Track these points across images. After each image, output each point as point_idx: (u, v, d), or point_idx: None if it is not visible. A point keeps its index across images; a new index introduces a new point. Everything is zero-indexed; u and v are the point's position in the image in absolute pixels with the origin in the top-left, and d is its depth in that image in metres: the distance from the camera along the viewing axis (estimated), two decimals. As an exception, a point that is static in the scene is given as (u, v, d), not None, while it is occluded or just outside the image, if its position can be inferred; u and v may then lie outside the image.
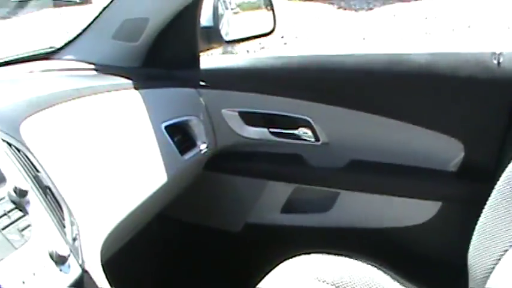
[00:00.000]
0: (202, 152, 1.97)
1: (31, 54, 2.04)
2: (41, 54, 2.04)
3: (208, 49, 2.20)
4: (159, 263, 2.21)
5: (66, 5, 10.49)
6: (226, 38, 2.14)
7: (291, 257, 1.65)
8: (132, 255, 1.94)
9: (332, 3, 9.66)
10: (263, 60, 2.12)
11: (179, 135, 1.89)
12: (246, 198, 2.14)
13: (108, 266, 1.39)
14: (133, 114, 1.77)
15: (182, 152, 1.87)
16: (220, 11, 2.13)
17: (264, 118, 2.04)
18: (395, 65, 1.94)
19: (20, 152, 1.33)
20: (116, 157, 1.62)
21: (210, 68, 2.06)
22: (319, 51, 6.57)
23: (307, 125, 2.01)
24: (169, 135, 1.83)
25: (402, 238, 2.02)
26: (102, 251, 1.41)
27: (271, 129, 2.05)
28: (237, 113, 2.04)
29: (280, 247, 1.79)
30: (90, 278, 1.29)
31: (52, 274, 1.17)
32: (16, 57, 1.97)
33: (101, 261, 1.37)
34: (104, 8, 1.98)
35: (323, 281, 1.52)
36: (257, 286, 1.56)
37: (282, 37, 7.90)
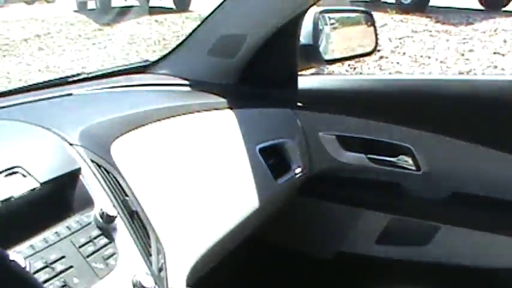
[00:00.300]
0: (297, 176, 1.88)
1: (126, 67, 2.02)
2: (136, 67, 2.02)
3: (306, 68, 2.11)
4: (247, 288, 2.13)
5: (163, 13, 10.68)
6: (326, 58, 2.05)
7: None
8: (218, 280, 1.87)
9: (430, 17, 9.42)
10: (364, 82, 2.02)
11: (273, 158, 1.80)
12: (340, 225, 2.04)
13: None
14: (227, 135, 1.70)
15: (276, 176, 1.78)
16: (319, 26, 2.03)
17: (363, 143, 1.93)
18: (506, 91, 1.80)
19: (109, 174, 1.28)
20: (207, 180, 1.55)
21: (307, 88, 1.97)
22: (421, 72, 6.41)
23: (408, 152, 1.88)
24: (263, 158, 1.75)
25: (503, 280, 1.87)
26: (187, 279, 1.35)
27: (370, 155, 1.94)
28: (334, 137, 1.94)
29: (372, 279, 1.69)
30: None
31: (135, 307, 1.11)
32: (111, 70, 1.95)
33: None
34: (201, 23, 1.93)
35: None
36: None
37: (378, 50, 7.75)
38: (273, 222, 1.95)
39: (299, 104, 1.95)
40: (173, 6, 11.94)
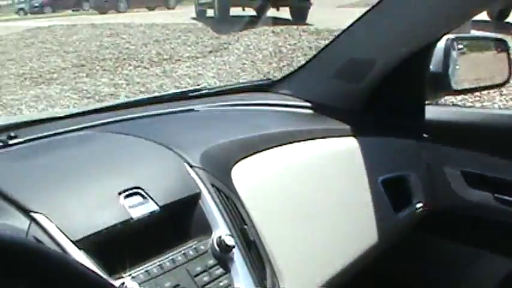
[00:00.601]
0: (418, 211, 1.78)
1: (249, 84, 1.99)
2: (258, 85, 1.99)
3: (434, 98, 2.01)
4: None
5: (280, 24, 10.70)
6: (455, 87, 1.94)
7: None
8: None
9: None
10: (494, 116, 1.90)
11: (394, 190, 1.71)
12: (459, 266, 1.92)
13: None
14: (350, 163, 1.63)
15: (396, 209, 1.69)
16: (452, 55, 1.93)
17: (490, 181, 1.81)
18: None
19: (228, 199, 1.24)
20: (327, 210, 1.49)
21: (434, 119, 1.87)
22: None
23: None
24: (385, 190, 1.66)
25: None
26: None
27: (497, 195, 1.81)
28: (459, 172, 1.83)
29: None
30: None
31: None
32: (234, 86, 1.92)
33: None
34: (327, 44, 1.87)
35: None
36: None
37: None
38: (388, 256, 1.86)
39: (425, 135, 1.85)
40: (290, 18, 11.93)
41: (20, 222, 0.98)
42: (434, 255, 1.95)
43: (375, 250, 1.61)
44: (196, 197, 1.18)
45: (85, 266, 0.71)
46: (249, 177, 1.36)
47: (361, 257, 1.54)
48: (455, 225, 1.90)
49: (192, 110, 1.70)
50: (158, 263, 1.06)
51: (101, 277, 0.68)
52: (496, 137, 1.80)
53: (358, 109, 1.83)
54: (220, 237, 1.12)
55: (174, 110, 1.67)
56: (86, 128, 1.45)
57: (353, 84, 1.83)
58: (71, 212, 1.04)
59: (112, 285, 0.81)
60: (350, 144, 1.67)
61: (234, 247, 1.13)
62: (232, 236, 1.14)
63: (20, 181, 1.10)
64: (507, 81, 2.05)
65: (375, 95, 1.82)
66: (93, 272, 0.61)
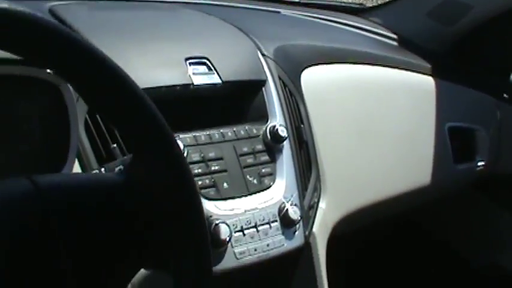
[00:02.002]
0: (478, 169, 1.73)
1: (341, 4, 1.95)
2: (350, 7, 1.95)
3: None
4: (382, 266, 2.01)
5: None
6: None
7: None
8: (356, 249, 1.80)
9: None
10: None
11: (459, 141, 1.66)
12: (506, 236, 1.86)
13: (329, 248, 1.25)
14: (420, 102, 1.58)
15: (456, 160, 1.64)
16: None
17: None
18: None
19: (292, 96, 1.22)
20: (385, 139, 1.46)
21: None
22: None
23: None
24: (449, 137, 1.62)
25: None
26: (332, 231, 1.28)
27: None
28: (533, 140, 1.76)
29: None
30: (310, 253, 1.15)
31: (273, 233, 1.05)
32: (325, 2, 1.89)
33: (327, 239, 1.24)
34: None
35: None
36: None
37: None
38: (436, 210, 1.83)
39: (505, 95, 1.78)
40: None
41: None
42: (484, 219, 1.90)
43: (422, 194, 1.57)
44: (260, 84, 1.17)
45: None
46: (318, 84, 1.34)
47: (406, 196, 1.51)
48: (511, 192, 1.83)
49: (279, 12, 1.69)
50: (207, 133, 1.06)
51: None
52: None
53: (444, 52, 1.77)
54: (274, 126, 1.11)
55: (261, 7, 1.66)
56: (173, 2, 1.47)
57: (444, 26, 1.76)
58: (135, 65, 1.04)
59: None
60: (426, 83, 1.62)
61: (285, 139, 1.12)
62: (286, 128, 1.13)
63: (93, 28, 1.11)
64: None
65: (464, 41, 1.75)
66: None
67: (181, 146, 0.97)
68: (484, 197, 1.87)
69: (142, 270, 0.92)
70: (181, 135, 1.02)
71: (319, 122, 1.28)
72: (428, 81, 1.63)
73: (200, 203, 0.63)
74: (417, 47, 1.74)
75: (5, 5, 0.49)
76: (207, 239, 0.63)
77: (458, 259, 1.95)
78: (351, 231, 1.51)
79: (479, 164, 1.73)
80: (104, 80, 0.56)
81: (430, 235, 2.01)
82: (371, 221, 1.59)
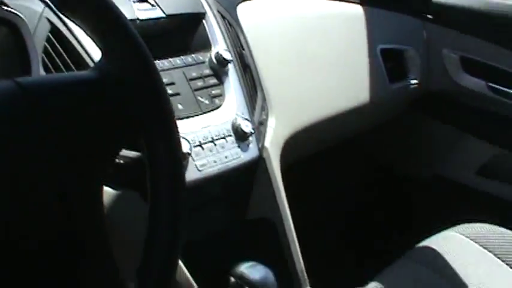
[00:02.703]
0: (412, 86, 1.85)
1: None
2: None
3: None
4: (330, 187, 2.12)
5: None
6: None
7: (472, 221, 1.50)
8: (307, 171, 1.88)
9: None
10: (501, 6, 1.93)
11: (392, 63, 1.78)
12: (444, 148, 2.00)
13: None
14: (353, 27, 1.69)
15: (392, 79, 1.76)
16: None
17: (486, 69, 1.86)
18: None
19: (231, 27, 1.31)
20: (323, 62, 1.56)
21: (442, 2, 1.91)
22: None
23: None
24: (383, 59, 1.73)
25: None
26: (282, 150, 1.37)
27: (491, 84, 1.86)
28: (457, 57, 1.88)
29: (462, 208, 1.65)
30: (265, 164, 1.25)
31: (230, 147, 1.15)
32: None
33: (280, 156, 1.33)
34: None
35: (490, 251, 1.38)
36: (421, 243, 1.44)
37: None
38: (377, 133, 1.94)
39: (429, 16, 1.90)
40: None
41: None
42: (422, 134, 2.03)
43: (364, 112, 1.68)
44: (201, 17, 1.25)
45: None
46: (254, 15, 1.43)
47: (349, 113, 1.61)
48: (446, 107, 1.97)
49: None
50: (157, 62, 1.13)
51: None
52: (500, 26, 1.84)
53: None
54: (218, 52, 1.20)
55: None
56: None
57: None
58: None
59: None
60: (356, 11, 1.73)
61: (230, 62, 1.21)
62: (229, 52, 1.22)
63: None
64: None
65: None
66: None
67: None
68: (421, 114, 1.99)
69: (113, 191, 1.01)
70: None
71: (259, 49, 1.37)
72: (358, 9, 1.74)
73: (164, 89, 0.72)
74: None
75: None
76: (173, 118, 0.72)
77: (402, 175, 2.08)
78: (301, 159, 1.61)
79: (413, 82, 1.85)
80: None
81: (374, 156, 2.14)
82: (319, 144, 1.69)
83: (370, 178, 2.14)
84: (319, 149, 1.74)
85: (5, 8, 0.93)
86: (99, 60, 0.72)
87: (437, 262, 1.35)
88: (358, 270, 1.40)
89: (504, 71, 1.83)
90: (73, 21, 0.93)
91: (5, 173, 0.62)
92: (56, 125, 0.65)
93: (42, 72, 1.01)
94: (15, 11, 0.96)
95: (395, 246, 1.52)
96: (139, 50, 0.70)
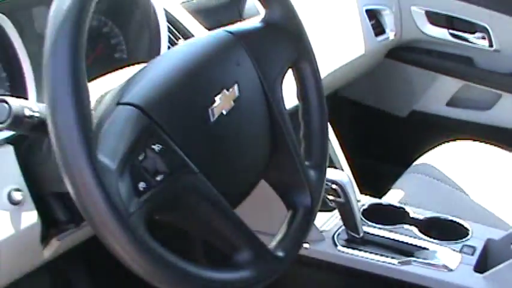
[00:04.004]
0: (391, 39, 2.27)
1: None
2: None
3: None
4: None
5: None
6: None
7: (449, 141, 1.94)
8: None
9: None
10: None
11: (373, 20, 2.20)
12: (417, 87, 2.44)
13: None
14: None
15: (376, 34, 2.19)
16: None
17: (447, 20, 2.30)
18: None
19: None
20: (321, 25, 1.94)
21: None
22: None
23: (484, 31, 2.26)
24: (368, 17, 2.15)
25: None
26: None
27: (451, 31, 2.31)
28: (423, 11, 2.31)
29: (440, 134, 2.08)
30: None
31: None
32: None
33: None
34: None
35: (474, 169, 1.80)
36: (415, 162, 1.86)
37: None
38: (360, 80, 2.36)
39: None
40: None
41: None
42: (399, 79, 2.47)
43: (358, 64, 2.09)
44: None
45: None
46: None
47: (347, 65, 2.01)
48: (416, 54, 2.41)
49: None
50: None
51: None
52: None
53: None
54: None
55: None
56: None
57: None
58: None
59: None
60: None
61: None
62: None
63: None
64: None
65: None
66: None
67: None
68: (397, 61, 2.43)
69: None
70: None
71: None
72: None
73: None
74: None
75: None
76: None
77: (385, 114, 2.51)
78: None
79: (391, 34, 2.28)
80: None
81: (360, 101, 2.56)
82: None
83: (359, 119, 2.57)
84: None
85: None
86: (264, 15, 1.06)
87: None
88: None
89: (461, 19, 2.27)
90: None
91: None
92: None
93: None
94: None
95: (394, 166, 1.96)
96: (289, 3, 1.06)
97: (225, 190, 0.84)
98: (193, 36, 1.37)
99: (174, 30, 1.36)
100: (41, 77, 0.71)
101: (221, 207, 0.84)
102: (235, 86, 0.92)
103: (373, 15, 2.21)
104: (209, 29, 1.39)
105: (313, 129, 1.08)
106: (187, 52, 0.93)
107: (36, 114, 0.86)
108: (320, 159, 1.07)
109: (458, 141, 1.93)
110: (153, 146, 0.76)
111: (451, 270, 1.29)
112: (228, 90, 0.90)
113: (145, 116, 0.77)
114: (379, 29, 2.25)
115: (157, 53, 1.26)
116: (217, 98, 0.88)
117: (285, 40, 1.05)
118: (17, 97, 0.89)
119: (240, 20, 1.58)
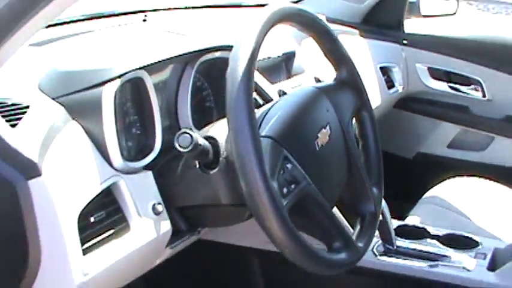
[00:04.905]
0: (399, 92, 2.67)
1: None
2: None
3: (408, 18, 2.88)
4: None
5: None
6: (422, 13, 2.80)
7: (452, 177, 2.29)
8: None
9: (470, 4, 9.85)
10: (454, 35, 2.76)
11: (385, 76, 2.60)
12: (422, 132, 2.84)
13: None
14: (359, 53, 2.48)
15: (388, 87, 2.59)
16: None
17: (446, 74, 2.72)
18: None
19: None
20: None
21: (413, 32, 2.76)
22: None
23: (478, 84, 2.67)
24: (382, 73, 2.54)
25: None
26: None
27: (450, 84, 2.73)
28: (426, 68, 2.72)
29: (443, 172, 2.43)
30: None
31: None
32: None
33: None
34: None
35: (476, 199, 2.14)
36: (425, 195, 2.20)
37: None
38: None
39: (404, 41, 2.73)
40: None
41: None
42: (406, 125, 2.86)
43: (376, 112, 2.44)
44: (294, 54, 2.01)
45: None
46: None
47: None
48: (421, 104, 2.82)
49: None
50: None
51: None
52: (453, 45, 2.68)
53: (358, 22, 2.69)
54: (314, 76, 1.96)
55: None
56: None
57: (356, 5, 2.67)
58: None
59: None
60: (358, 41, 2.53)
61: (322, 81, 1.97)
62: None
63: None
64: (455, 12, 2.92)
65: (371, 12, 2.68)
66: None
67: None
68: (403, 110, 2.84)
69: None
70: None
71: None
72: (359, 39, 2.54)
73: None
74: (342, 22, 2.62)
75: None
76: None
77: (393, 156, 2.88)
78: None
79: (399, 88, 2.68)
80: None
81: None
82: None
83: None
84: None
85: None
86: (336, 75, 1.43)
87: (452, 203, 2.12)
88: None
89: (458, 74, 2.69)
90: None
91: None
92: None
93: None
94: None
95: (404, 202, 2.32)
96: (354, 67, 1.43)
97: (327, 196, 1.21)
98: (262, 89, 1.72)
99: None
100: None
101: (325, 208, 1.21)
102: (328, 126, 1.30)
103: (385, 72, 2.61)
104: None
105: (372, 158, 1.45)
106: (296, 102, 1.31)
107: (201, 145, 1.20)
108: (378, 179, 1.45)
109: (459, 178, 2.28)
110: (287, 165, 1.14)
111: (469, 270, 1.62)
112: (324, 128, 1.28)
113: (279, 145, 1.15)
114: (390, 83, 2.64)
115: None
116: (319, 134, 1.26)
117: (352, 93, 1.42)
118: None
119: (290, 77, 1.95)
